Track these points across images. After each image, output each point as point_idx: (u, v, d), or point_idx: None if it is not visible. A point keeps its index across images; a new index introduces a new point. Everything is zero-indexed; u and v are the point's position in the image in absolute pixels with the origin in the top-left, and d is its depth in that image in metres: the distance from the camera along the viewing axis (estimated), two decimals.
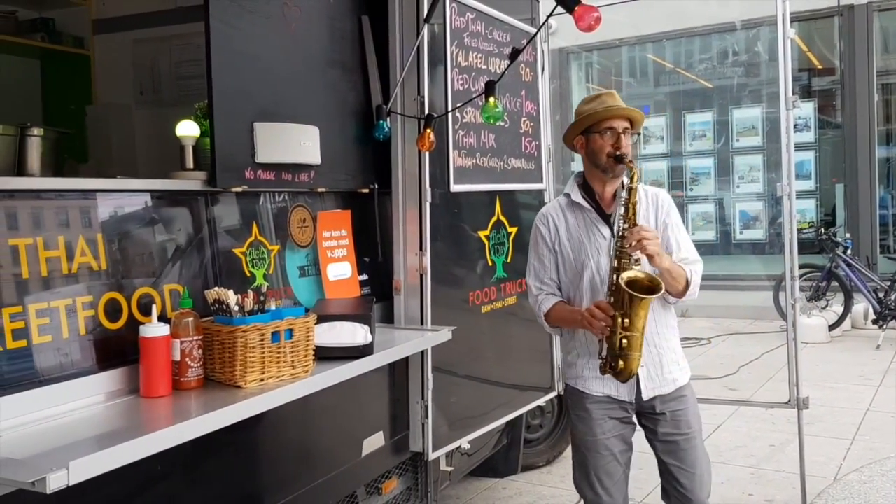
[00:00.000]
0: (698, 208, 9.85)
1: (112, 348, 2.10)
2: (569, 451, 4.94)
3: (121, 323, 2.15)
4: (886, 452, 4.52)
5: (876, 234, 9.03)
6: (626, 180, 2.46)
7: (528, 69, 4.00)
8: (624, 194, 2.40)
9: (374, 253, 3.18)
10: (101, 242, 2.12)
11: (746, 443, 5.06)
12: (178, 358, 2.14)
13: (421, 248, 3.16)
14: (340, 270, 3.00)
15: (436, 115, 2.91)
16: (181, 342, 2.14)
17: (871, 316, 7.91)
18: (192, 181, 2.41)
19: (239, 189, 2.52)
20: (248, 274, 2.59)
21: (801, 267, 8.50)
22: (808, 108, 9.27)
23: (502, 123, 3.71)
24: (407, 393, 3.21)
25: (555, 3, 2.08)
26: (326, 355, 2.45)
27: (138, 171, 3.56)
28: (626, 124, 2.48)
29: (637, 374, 2.43)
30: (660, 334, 2.54)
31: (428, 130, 2.84)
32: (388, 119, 3.13)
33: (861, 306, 8.28)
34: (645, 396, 2.52)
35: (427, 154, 3.14)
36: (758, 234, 9.61)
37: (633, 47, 10.52)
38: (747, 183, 9.54)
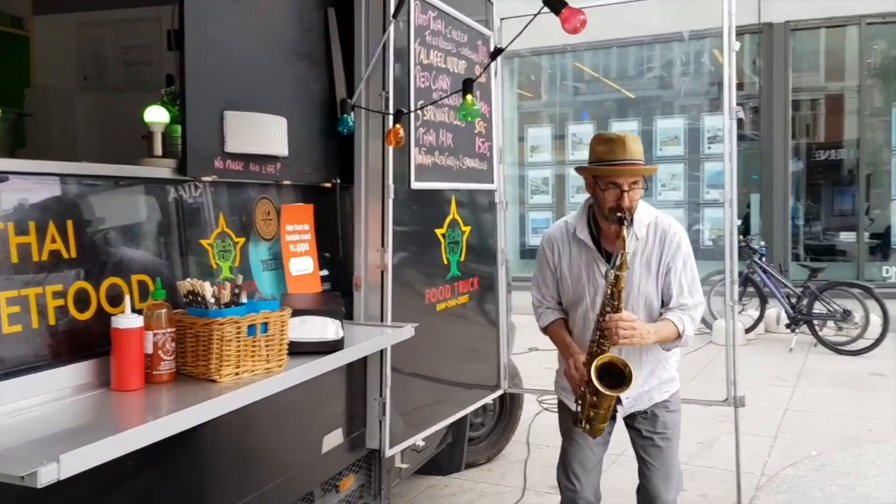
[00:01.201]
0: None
1: (82, 340, 2.01)
2: (509, 450, 5.05)
3: (90, 314, 2.06)
4: (807, 449, 4.77)
5: (789, 243, 9.50)
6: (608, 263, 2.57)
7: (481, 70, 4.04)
8: (611, 276, 2.44)
9: (334, 248, 3.14)
10: (70, 229, 2.03)
11: None
12: (150, 351, 2.07)
13: (383, 245, 3.14)
14: (302, 265, 2.96)
15: (405, 111, 2.90)
16: (154, 334, 2.07)
17: (785, 320, 8.32)
18: (162, 169, 2.33)
19: (209, 178, 2.45)
20: (215, 266, 2.52)
21: (719, 272, 8.94)
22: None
23: (460, 123, 3.74)
24: (364, 390, 3.18)
25: (542, 4, 2.11)
26: (297, 350, 2.41)
27: (79, 157, 3.40)
28: (633, 179, 2.50)
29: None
30: (649, 365, 2.67)
31: (397, 126, 2.83)
32: (353, 113, 3.10)
33: (774, 311, 8.70)
34: (621, 414, 2.69)
35: (391, 150, 3.12)
36: None
37: (565, 55, 10.74)
38: (669, 191, 9.88)
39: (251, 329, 2.18)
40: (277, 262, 2.87)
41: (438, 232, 3.60)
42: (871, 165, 9.58)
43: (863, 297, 7.82)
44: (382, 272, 3.15)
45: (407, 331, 2.94)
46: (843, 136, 10.01)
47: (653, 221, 2.60)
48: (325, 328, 2.47)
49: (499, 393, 4.28)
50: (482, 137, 4.03)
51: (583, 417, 2.57)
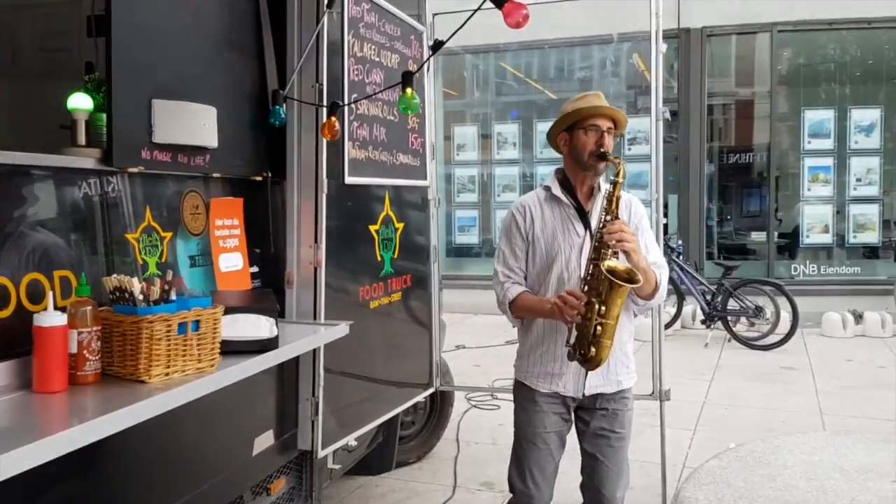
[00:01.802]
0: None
1: (0, 339, 1.88)
2: (439, 448, 5.04)
3: (8, 311, 1.93)
4: (726, 441, 4.93)
5: (703, 242, 9.82)
6: (600, 181, 2.61)
7: (415, 65, 4.00)
8: (608, 187, 2.45)
9: (265, 244, 3.05)
10: None
11: None
12: (75, 350, 1.95)
13: (316, 241, 3.07)
14: (232, 261, 2.86)
15: (341, 104, 2.84)
16: (79, 333, 1.95)
17: (700, 316, 8.59)
18: (86, 159, 2.20)
19: (135, 170, 2.34)
20: (141, 261, 2.41)
21: None
22: (646, 123, 9.91)
23: (393, 118, 3.69)
24: (296, 390, 3.11)
25: None
26: (229, 349, 2.32)
27: None
28: (610, 124, 2.54)
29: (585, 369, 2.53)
30: (619, 336, 2.55)
31: (332, 118, 2.77)
32: (285, 105, 3.02)
33: (690, 307, 8.97)
34: (587, 392, 2.61)
35: (324, 143, 3.06)
36: None
37: (488, 55, 10.81)
38: None
39: (182, 327, 2.09)
40: (206, 258, 2.77)
41: (372, 228, 3.55)
42: (780, 168, 10.00)
43: (774, 293, 8.14)
44: (315, 269, 3.08)
45: (341, 329, 2.88)
46: (754, 139, 10.43)
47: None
48: (258, 326, 2.38)
49: (431, 391, 4.25)
50: (415, 133, 4.00)
51: (582, 343, 2.37)
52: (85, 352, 1.97)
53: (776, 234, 9.95)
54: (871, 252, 9.76)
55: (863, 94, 9.83)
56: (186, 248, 2.67)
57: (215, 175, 2.76)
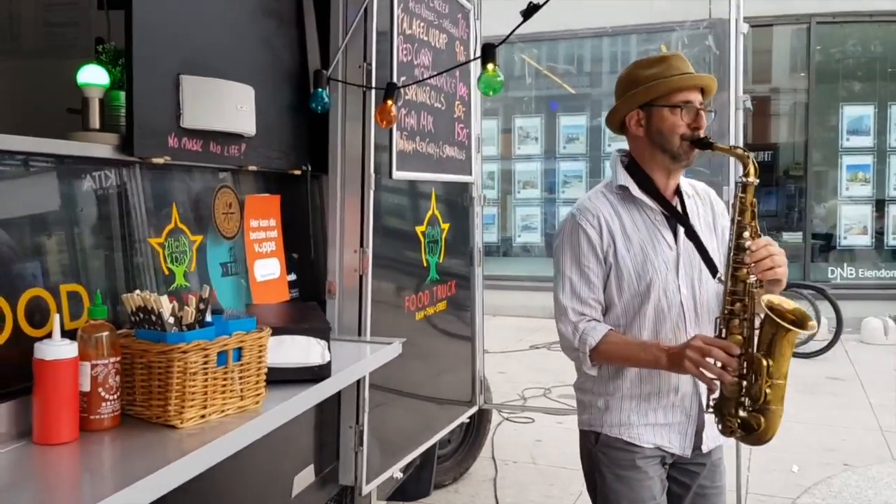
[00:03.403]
0: (569, 211, 9.85)
1: None
2: (475, 468, 4.63)
3: (3, 337, 1.51)
4: (786, 461, 4.52)
5: None
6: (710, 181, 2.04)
7: (462, 47, 3.58)
8: (737, 191, 1.82)
9: (304, 248, 2.64)
10: None
11: None
12: (87, 388, 1.54)
13: (362, 245, 2.66)
14: (269, 269, 2.45)
15: (399, 85, 2.42)
16: (93, 366, 1.54)
17: None
18: (101, 146, 1.79)
19: (161, 160, 1.92)
20: (167, 271, 1.99)
21: None
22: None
23: (439, 105, 3.28)
24: (338, 416, 2.69)
25: None
26: (272, 378, 1.90)
27: None
28: (700, 97, 1.94)
29: (703, 422, 1.98)
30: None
31: (389, 102, 2.35)
32: (328, 88, 2.60)
33: None
34: (705, 448, 2.01)
35: (372, 133, 2.64)
36: None
37: (513, 45, 10.37)
38: None
39: (221, 357, 1.67)
40: (239, 266, 2.36)
41: (419, 230, 3.13)
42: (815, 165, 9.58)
43: (814, 297, 7.73)
44: (361, 277, 2.66)
45: (394, 348, 2.47)
46: (789, 136, 10.01)
47: (684, 180, 2.07)
48: (307, 351, 1.97)
49: (474, 409, 3.84)
50: (461, 123, 3.58)
51: (738, 412, 1.78)
52: (101, 390, 1.55)
53: (810, 235, 9.52)
54: None
55: None
56: (218, 253, 2.25)
57: (251, 168, 2.34)
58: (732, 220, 1.82)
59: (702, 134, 1.91)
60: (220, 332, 1.68)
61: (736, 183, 1.85)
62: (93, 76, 1.82)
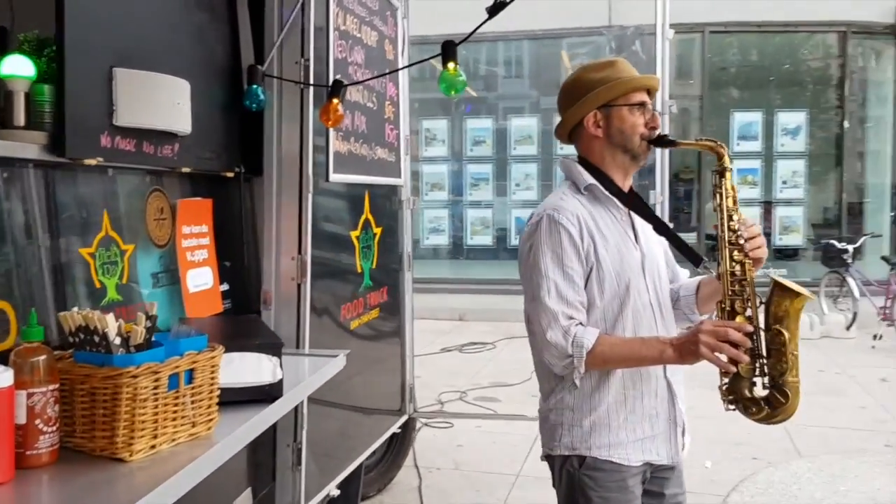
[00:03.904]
0: (476, 213, 9.89)
1: None
2: (400, 477, 4.52)
3: None
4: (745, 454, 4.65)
5: None
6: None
7: (391, 46, 3.48)
8: (714, 180, 1.83)
9: (236, 256, 2.47)
10: None
11: None
12: (23, 420, 1.35)
13: (300, 251, 2.52)
14: (201, 278, 2.27)
15: (346, 83, 2.29)
16: (29, 395, 1.35)
17: None
18: (27, 146, 1.58)
19: (93, 162, 1.72)
20: (98, 284, 1.80)
21: None
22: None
23: (370, 105, 3.16)
24: (273, 435, 2.54)
25: None
26: (222, 399, 1.74)
27: None
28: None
29: (684, 426, 1.95)
30: (681, 370, 1.98)
31: (335, 101, 2.22)
32: (263, 85, 2.44)
33: None
34: (685, 451, 1.98)
35: (310, 133, 2.51)
36: None
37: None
38: (523, 190, 9.75)
39: (173, 380, 1.51)
40: (170, 276, 2.17)
41: (353, 235, 3.01)
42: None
43: None
44: (299, 286, 2.52)
45: (339, 361, 2.33)
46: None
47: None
48: (258, 368, 1.82)
49: (404, 418, 3.74)
50: (391, 124, 3.48)
51: (745, 389, 1.76)
52: (38, 421, 1.37)
53: (704, 235, 9.93)
54: (793, 253, 9.89)
55: (788, 98, 9.94)
56: (148, 263, 2.06)
57: (184, 169, 2.16)
58: (718, 208, 1.82)
59: (661, 132, 1.91)
60: (171, 352, 1.52)
61: (712, 172, 1.85)
62: (18, 67, 1.60)
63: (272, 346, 1.85)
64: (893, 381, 6.74)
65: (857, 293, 7.98)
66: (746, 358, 1.72)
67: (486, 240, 9.89)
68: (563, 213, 1.85)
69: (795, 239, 9.69)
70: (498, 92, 10.18)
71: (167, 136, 2.01)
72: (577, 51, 10.17)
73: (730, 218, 1.81)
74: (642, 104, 1.89)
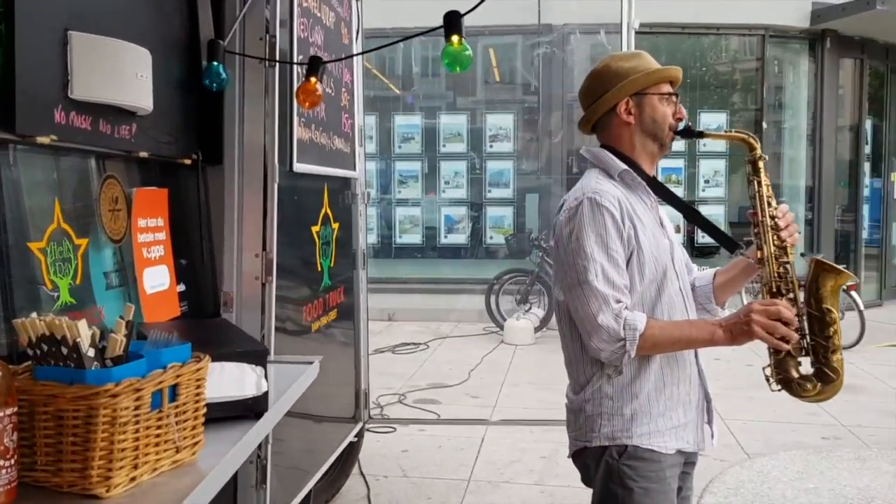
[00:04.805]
0: (405, 211, 9.69)
1: None
2: (347, 486, 4.29)
3: None
4: None
5: None
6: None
7: (346, 29, 3.26)
8: (748, 170, 1.86)
9: (194, 253, 2.21)
10: None
11: (518, 456, 4.82)
12: None
13: (265, 248, 2.28)
14: (158, 278, 2.01)
15: (325, 61, 2.06)
16: None
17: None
18: None
19: (46, 140, 1.46)
20: (50, 285, 1.53)
21: (508, 272, 8.83)
22: (508, 120, 9.64)
23: (329, 91, 2.94)
24: None
25: None
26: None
27: None
28: None
29: (712, 413, 1.93)
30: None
31: (313, 80, 2.00)
32: (225, 61, 2.20)
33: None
34: (715, 443, 1.96)
35: (276, 117, 2.28)
36: (461, 238, 9.74)
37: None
38: (452, 188, 9.61)
39: (156, 398, 1.28)
40: (123, 276, 1.90)
41: (314, 230, 2.78)
42: None
43: None
44: (264, 285, 2.28)
45: (314, 369, 2.11)
46: None
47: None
48: (241, 380, 1.59)
49: (359, 426, 3.53)
50: (346, 113, 3.26)
51: (789, 366, 1.78)
52: None
53: None
54: (715, 250, 10.11)
55: (711, 98, 10.17)
56: (101, 260, 1.79)
57: (141, 154, 1.90)
58: (755, 195, 1.85)
59: (688, 124, 1.93)
60: (153, 365, 1.28)
61: (746, 161, 1.87)
62: None
63: (256, 355, 1.62)
64: None
65: None
66: (796, 336, 1.73)
67: (416, 238, 9.70)
68: (604, 196, 1.80)
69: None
70: (406, 91, 9.98)
71: (125, 115, 1.75)
72: (504, 51, 10.13)
73: (769, 205, 1.84)
74: (671, 95, 1.91)
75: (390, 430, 5.28)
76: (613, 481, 1.82)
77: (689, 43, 10.16)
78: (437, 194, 9.62)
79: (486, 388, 6.46)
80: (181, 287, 2.15)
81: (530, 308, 8.64)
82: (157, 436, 1.29)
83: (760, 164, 1.85)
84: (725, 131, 1.95)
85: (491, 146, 9.59)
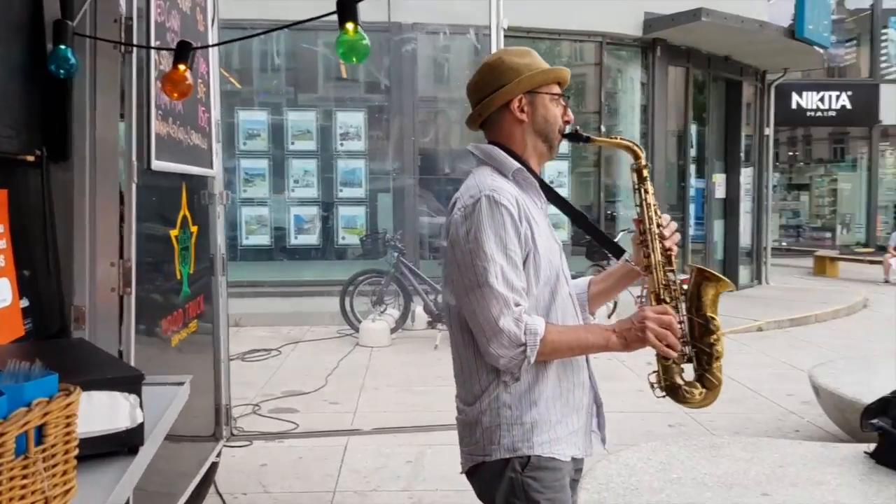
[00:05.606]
0: (252, 211, 9.30)
1: None
2: None
3: None
4: None
5: (417, 242, 9.68)
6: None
7: (201, 15, 3.02)
8: (634, 178, 1.83)
9: (38, 262, 1.94)
10: None
11: (384, 462, 4.72)
12: None
13: (122, 255, 2.04)
14: None
15: (195, 46, 1.85)
16: None
17: (427, 318, 8.38)
18: None
19: None
20: None
21: (363, 273, 8.68)
22: (359, 118, 9.50)
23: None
24: None
25: None
26: None
27: None
28: None
29: (603, 418, 1.92)
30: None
31: (182, 68, 1.79)
32: (74, 46, 1.94)
33: (415, 308, 8.74)
34: (607, 445, 1.93)
35: (133, 110, 2.04)
36: (312, 239, 9.48)
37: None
38: (302, 187, 9.34)
39: (20, 443, 1.06)
40: None
41: (173, 234, 2.54)
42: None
43: None
44: (122, 298, 2.04)
45: (185, 390, 1.91)
46: (455, 141, 10.61)
47: None
48: (113, 411, 1.39)
49: (221, 445, 3.29)
50: (202, 106, 3.02)
51: (673, 373, 1.79)
52: None
53: None
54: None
55: None
56: None
57: None
58: (641, 203, 1.84)
59: (575, 127, 1.90)
60: (15, 402, 1.07)
61: (632, 169, 1.85)
62: None
63: (130, 381, 1.41)
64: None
65: None
66: (678, 345, 1.74)
67: (263, 239, 9.35)
68: (502, 195, 1.71)
69: (562, 235, 10.27)
70: (244, 87, 9.61)
71: None
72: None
73: (656, 213, 1.84)
74: (560, 96, 1.87)
75: (246, 443, 5.00)
76: (518, 497, 1.75)
77: (532, 47, 10.45)
78: (286, 193, 9.32)
79: (345, 392, 6.30)
80: (24, 302, 1.87)
81: (385, 309, 8.56)
82: (23, 486, 1.08)
83: (645, 172, 1.84)
84: (611, 137, 1.93)
85: (342, 144, 9.41)
